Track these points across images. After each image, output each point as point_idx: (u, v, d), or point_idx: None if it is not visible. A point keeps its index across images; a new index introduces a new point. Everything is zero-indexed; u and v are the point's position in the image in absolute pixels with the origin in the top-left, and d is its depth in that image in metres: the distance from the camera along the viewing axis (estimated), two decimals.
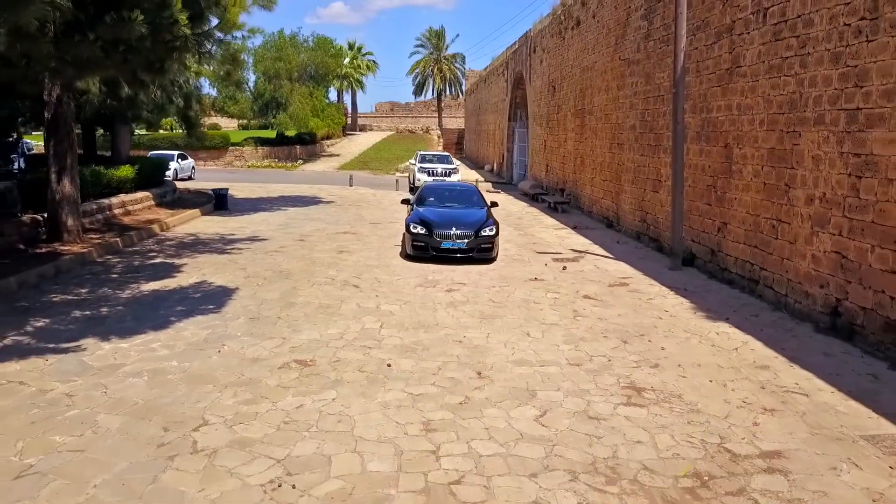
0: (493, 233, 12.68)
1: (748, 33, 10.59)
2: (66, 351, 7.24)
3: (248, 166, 42.89)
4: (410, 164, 31.31)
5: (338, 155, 50.70)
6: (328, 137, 54.53)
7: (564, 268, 12.39)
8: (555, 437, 5.43)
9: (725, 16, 11.36)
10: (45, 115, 12.05)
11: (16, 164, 23.94)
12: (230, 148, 43.98)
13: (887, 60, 7.46)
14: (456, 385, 6.50)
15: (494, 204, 14.90)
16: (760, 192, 10.21)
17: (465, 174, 31.78)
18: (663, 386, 6.60)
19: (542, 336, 8.16)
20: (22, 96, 12.96)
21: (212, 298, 9.62)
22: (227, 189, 20.33)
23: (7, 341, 7.51)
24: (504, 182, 34.22)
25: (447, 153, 34.96)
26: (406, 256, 12.67)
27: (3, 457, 4.90)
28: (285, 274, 11.33)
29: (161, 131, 46.15)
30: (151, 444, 5.15)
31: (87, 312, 8.80)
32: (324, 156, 50.35)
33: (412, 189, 24.37)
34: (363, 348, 7.52)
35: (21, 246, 11.87)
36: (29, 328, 8.04)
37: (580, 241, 15.62)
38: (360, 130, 70.19)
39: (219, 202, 19.55)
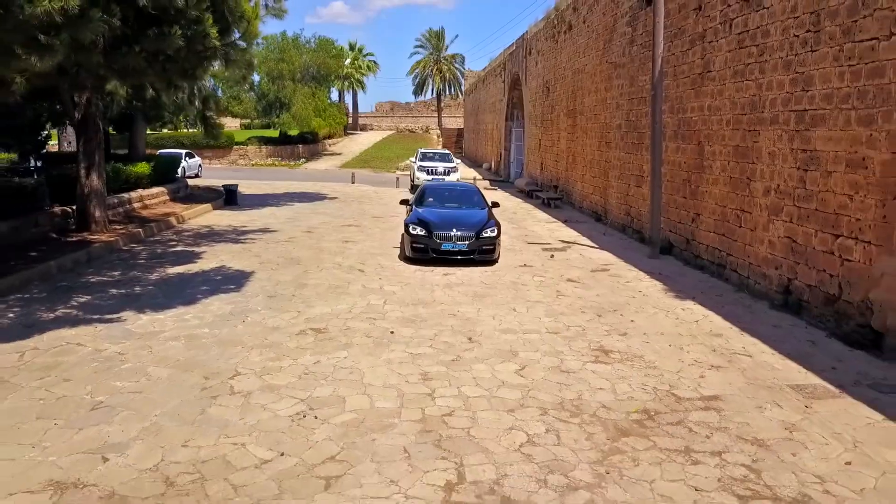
0: (494, 234, 12.38)
1: (717, 41, 11.67)
2: (110, 321, 8.32)
3: (252, 165, 43.96)
4: (411, 161, 31.99)
5: (339, 154, 51.79)
6: (330, 137, 55.61)
7: (552, 256, 13.47)
8: (531, 384, 6.51)
9: (698, 25, 12.44)
10: (76, 115, 13.13)
11: (31, 161, 25.02)
12: (234, 147, 45.07)
13: (827, 68, 8.54)
14: (449, 347, 7.58)
15: (496, 204, 14.52)
16: (727, 186, 11.29)
17: (463, 172, 32.80)
18: (628, 349, 7.67)
19: (527, 311, 9.23)
20: (50, 98, 13.99)
21: (232, 280, 10.70)
22: (237, 185, 21.43)
23: (58, 313, 8.60)
24: (501, 180, 35.30)
25: (448, 151, 34.54)
26: (405, 259, 12.43)
27: (77, 395, 5.98)
28: (296, 260, 12.41)
29: (164, 130, 47.15)
30: (196, 388, 6.23)
31: (123, 291, 9.89)
32: (326, 154, 51.43)
33: (413, 188, 24.21)
34: (369, 319, 8.60)
35: (53, 235, 12.95)
36: (74, 303, 9.13)
37: (569, 234, 16.69)
38: (361, 130, 71.25)
39: (229, 197, 20.65)
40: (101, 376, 6.46)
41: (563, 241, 15.43)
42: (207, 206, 19.35)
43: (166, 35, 7.49)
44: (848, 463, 5.06)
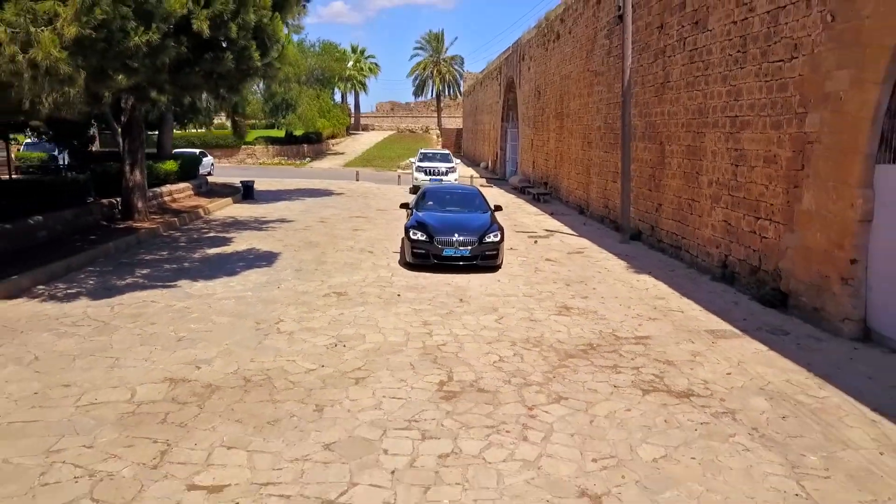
0: (497, 239, 12.00)
1: (674, 56, 13.66)
2: (171, 287, 10.32)
3: (260, 164, 45.95)
4: (412, 161, 33.51)
5: (342, 153, 53.79)
6: (333, 137, 57.62)
7: (535, 241, 15.46)
8: (505, 328, 8.51)
9: (660, 41, 14.43)
10: (122, 118, 15.12)
11: (61, 159, 27.03)
12: (243, 147, 47.05)
13: (750, 82, 10.53)
14: (444, 305, 9.57)
15: (498, 207, 14.10)
16: (682, 179, 13.28)
17: (461, 171, 34.81)
18: (586, 307, 9.67)
19: (509, 282, 11.23)
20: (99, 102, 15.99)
21: (262, 258, 12.70)
22: (253, 181, 23.43)
23: (128, 281, 10.61)
24: (498, 178, 37.29)
25: (448, 151, 34.59)
26: (405, 265, 12.12)
27: (164, 332, 7.98)
28: (314, 244, 14.41)
29: (175, 131, 49.04)
30: (251, 329, 8.22)
31: (174, 266, 11.90)
32: (329, 154, 53.43)
33: (414, 189, 23.63)
34: (379, 287, 10.60)
35: (104, 223, 14.96)
36: (138, 274, 11.13)
37: (554, 224, 18.68)
38: (363, 130, 73.22)
39: (246, 192, 22.67)
40: (177, 322, 8.46)
41: (547, 230, 17.42)
42: (228, 199, 21.36)
43: (220, 58, 9.49)
44: (728, 373, 7.06)
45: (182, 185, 20.81)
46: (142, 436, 5.32)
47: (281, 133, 50.74)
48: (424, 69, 78.62)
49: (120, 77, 8.82)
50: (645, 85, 15.34)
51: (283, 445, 5.19)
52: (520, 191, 28.09)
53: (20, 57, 7.96)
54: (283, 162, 46.67)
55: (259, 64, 9.98)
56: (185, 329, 8.15)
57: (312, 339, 7.87)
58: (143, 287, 10.23)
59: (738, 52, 10.95)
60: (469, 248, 11.74)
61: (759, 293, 10.12)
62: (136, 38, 8.31)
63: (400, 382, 6.58)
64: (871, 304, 8.12)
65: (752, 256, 10.53)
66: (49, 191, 13.48)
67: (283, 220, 18.06)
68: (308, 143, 50.75)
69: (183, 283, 10.62)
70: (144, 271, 11.35)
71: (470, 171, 38.86)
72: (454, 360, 7.24)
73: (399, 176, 35.48)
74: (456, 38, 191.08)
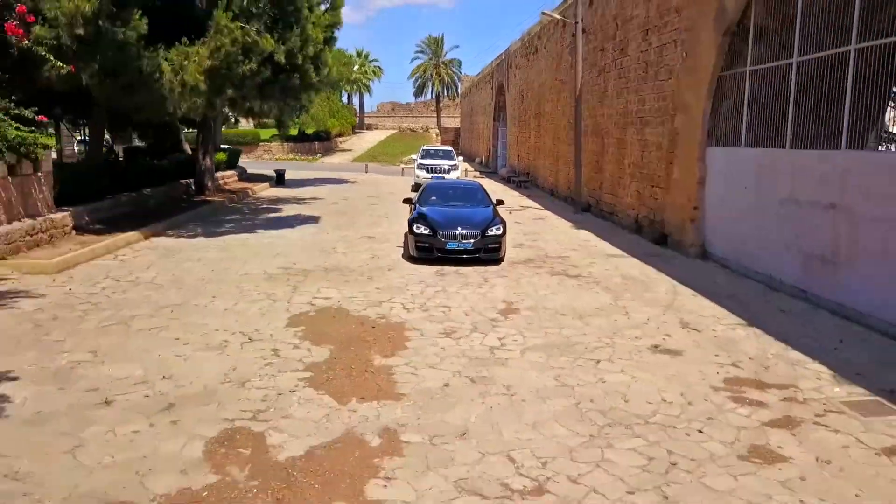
0: (500, 232, 12.30)
1: (610, 72, 18.51)
2: (254, 233, 15.20)
3: (276, 159, 50.80)
4: (413, 157, 37.45)
5: (350, 150, 58.70)
6: (340, 135, 62.52)
7: (510, 213, 20.31)
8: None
9: (601, 61, 19.29)
10: (196, 119, 19.97)
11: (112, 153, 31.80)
12: (260, 143, 51.93)
13: (649, 93, 15.40)
14: None
15: (500, 202, 14.38)
16: (614, 164, 18.14)
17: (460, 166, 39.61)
18: (534, 244, 14.53)
19: None
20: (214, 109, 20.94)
21: (309, 220, 17.57)
22: (285, 170, 28.32)
23: (221, 230, 15.51)
24: (490, 171, 42.17)
25: (450, 148, 34.03)
26: (409, 258, 12.44)
27: (263, 252, 12.85)
28: (344, 212, 19.30)
29: (190, 129, 53.98)
30: (319, 251, 13.08)
31: (248, 223, 16.79)
32: (338, 151, 58.34)
33: (416, 186, 24.67)
34: (397, 237, 15.45)
35: (184, 196, 19.82)
36: (227, 227, 16.01)
37: (528, 202, 23.56)
38: (367, 129, 78.05)
39: (279, 179, 27.55)
40: (269, 248, 13.33)
41: (521, 206, 22.29)
42: (265, 184, 26.25)
43: (290, 78, 14.37)
44: (607, 269, 11.92)
45: (229, 171, 25.70)
46: (280, 284, 10.20)
47: (294, 131, 55.63)
48: (425, 72, 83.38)
49: (230, 91, 13.72)
50: (592, 93, 20.20)
51: (355, 289, 10.05)
52: (507, 181, 32.98)
53: (175, 79, 12.87)
54: (296, 157, 51.52)
55: (315, 80, 14.86)
56: (277, 251, 13.03)
57: (358, 255, 12.74)
58: (235, 233, 15.14)
59: (643, 72, 15.83)
60: (472, 241, 11.99)
61: (652, 237, 14.99)
62: (244, 67, 13.20)
63: (414, 269, 11.47)
64: (707, 236, 13.00)
65: (650, 213, 15.40)
66: (151, 173, 18.34)
67: (314, 198, 22.96)
68: (318, 141, 55.66)
69: (260, 232, 15.51)
70: (230, 225, 16.25)
71: (465, 166, 43.73)
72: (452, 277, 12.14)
73: (402, 169, 40.36)
74: (456, 46, 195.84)
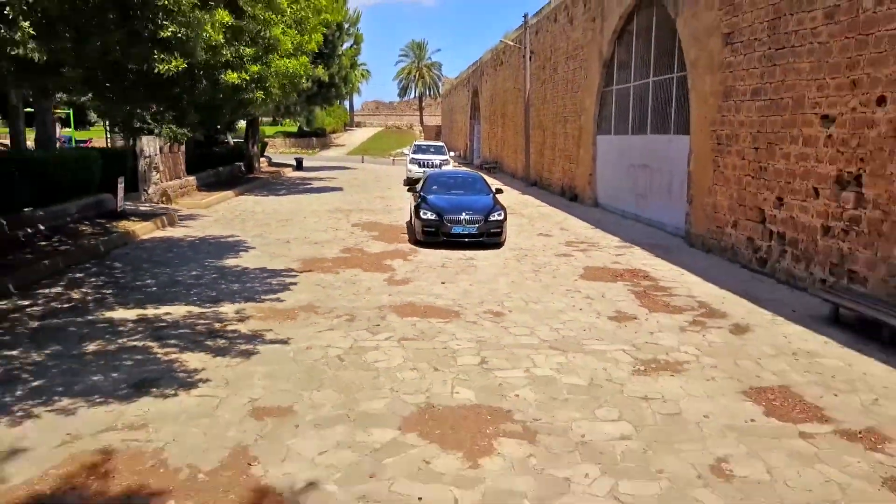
0: (501, 217, 13.02)
1: (549, 84, 25.97)
2: (302, 195, 22.46)
3: (280, 152, 57.75)
4: (403, 151, 43.93)
5: (343, 145, 65.84)
6: (334, 132, 69.60)
7: None
8: None
9: (543, 75, 26.74)
10: (247, 119, 27.10)
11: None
12: (265, 138, 58.83)
13: (569, 100, 22.88)
14: None
15: (500, 191, 15.34)
16: (550, 150, 25.62)
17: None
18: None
19: None
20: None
21: (336, 189, 24.86)
22: (303, 158, 35.52)
23: (280, 194, 22.79)
24: (467, 162, 49.61)
25: (442, 144, 34.92)
26: (415, 242, 13.14)
27: (319, 199, 20.15)
28: (357, 185, 26.61)
29: None
30: (350, 203, 20.41)
31: (294, 190, 24.06)
32: (333, 146, 65.44)
33: (408, 180, 26.18)
34: (398, 198, 22.80)
35: (240, 174, 27.00)
36: (281, 192, 23.27)
37: (494, 182, 30.95)
38: (356, 126, 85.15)
39: (299, 165, 34.72)
40: (318, 201, 20.61)
41: None
42: (289, 168, 33.44)
43: (329, 91, 21.70)
44: (531, 211, 19.37)
45: (262, 158, 32.83)
46: (337, 214, 17.51)
47: (294, 128, 62.64)
48: (409, 74, 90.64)
49: (293, 100, 21.01)
50: (537, 98, 27.68)
51: (380, 216, 17.36)
52: (479, 168, 40.42)
53: (261, 93, 20.16)
54: (298, 151, 58.51)
55: (344, 92, 22.19)
56: (324, 202, 20.30)
57: (376, 203, 20.07)
58: (291, 194, 22.41)
59: (566, 86, 23.31)
60: (476, 225, 12.70)
61: (569, 197, 22.49)
62: (302, 85, 20.52)
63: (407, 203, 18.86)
64: (597, 192, 20.50)
65: (570, 182, 22.91)
66: (216, 157, 25.54)
67: (331, 178, 30.23)
68: (316, 137, 62.72)
69: (306, 194, 22.77)
70: (283, 191, 23.54)
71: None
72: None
73: (393, 160, 47.67)
74: (438, 49, 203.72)
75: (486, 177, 17.61)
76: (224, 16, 6.67)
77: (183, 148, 19.75)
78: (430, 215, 12.87)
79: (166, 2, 5.59)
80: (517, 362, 6.60)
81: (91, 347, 6.74)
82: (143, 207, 16.05)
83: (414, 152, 29.40)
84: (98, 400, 5.45)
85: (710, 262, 11.84)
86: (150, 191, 17.25)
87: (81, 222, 13.07)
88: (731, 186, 12.01)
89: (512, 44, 30.35)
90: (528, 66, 27.42)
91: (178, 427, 5.00)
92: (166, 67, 6.05)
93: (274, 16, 7.83)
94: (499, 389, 5.91)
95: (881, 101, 8.38)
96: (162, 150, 18.02)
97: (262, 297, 8.93)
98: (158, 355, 6.55)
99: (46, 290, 8.96)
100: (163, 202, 17.27)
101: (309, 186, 25.96)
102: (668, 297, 9.41)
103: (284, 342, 7.04)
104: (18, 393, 5.56)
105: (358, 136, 74.29)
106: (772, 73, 10.76)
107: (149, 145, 17.22)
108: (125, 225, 13.42)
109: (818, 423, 5.32)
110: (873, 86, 8.51)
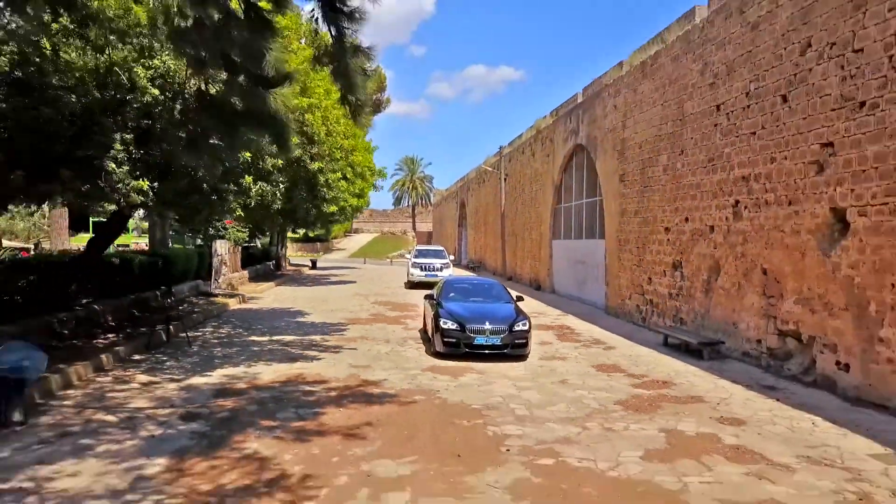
0: (526, 328, 12.38)
1: (518, 199, 32.94)
2: (325, 287, 28.68)
3: (288, 255, 64.44)
4: (402, 254, 50.31)
5: (344, 248, 72.84)
6: (335, 238, 76.78)
7: None
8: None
9: (514, 192, 33.78)
10: (276, 227, 33.67)
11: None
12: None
13: (531, 216, 29.72)
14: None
15: (520, 298, 14.82)
16: (521, 251, 32.21)
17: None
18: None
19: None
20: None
21: (350, 282, 31.05)
22: (317, 259, 42.03)
23: (306, 285, 29.02)
24: (456, 262, 56.37)
25: (441, 248, 35.64)
26: (434, 354, 12.46)
27: (339, 289, 26.42)
28: (366, 280, 32.88)
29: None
30: (365, 291, 26.62)
31: (318, 283, 30.28)
32: (335, 249, 72.39)
33: (409, 283, 29.24)
34: (400, 288, 29.01)
35: (271, 271, 33.28)
36: (307, 284, 29.49)
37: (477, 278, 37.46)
38: (355, 233, 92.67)
39: (313, 265, 41.20)
40: (340, 290, 26.79)
41: None
42: (306, 268, 39.82)
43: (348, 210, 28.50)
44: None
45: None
46: (358, 298, 23.65)
47: (299, 234, 69.73)
48: (403, 185, 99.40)
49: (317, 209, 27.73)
50: (510, 211, 34.61)
51: (391, 298, 23.50)
52: (465, 267, 47.07)
53: (342, 217, 26.93)
54: (304, 254, 65.25)
55: (358, 210, 29.00)
56: (346, 290, 26.46)
57: (385, 290, 26.24)
58: (318, 286, 28.59)
59: (530, 201, 30.22)
60: (500, 336, 12.04)
61: (535, 287, 28.82)
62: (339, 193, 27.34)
63: (416, 297, 25.09)
64: (554, 282, 26.87)
65: (535, 275, 29.33)
66: (256, 257, 31.90)
67: (343, 275, 36.54)
68: (320, 242, 69.73)
69: (329, 286, 28.94)
70: (309, 284, 29.74)
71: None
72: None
73: (391, 262, 54.34)
74: (429, 163, 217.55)
75: (503, 284, 17.99)
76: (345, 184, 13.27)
77: (239, 248, 26.11)
78: (451, 325, 12.20)
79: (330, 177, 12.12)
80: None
81: (254, 349, 12.76)
82: (219, 291, 22.16)
83: (415, 256, 30.40)
84: (277, 363, 11.45)
85: (615, 322, 18.00)
86: (220, 280, 23.42)
87: (190, 298, 19.16)
88: (627, 272, 18.40)
89: (490, 169, 37.79)
90: (503, 186, 34.60)
91: (320, 369, 11.01)
92: (330, 210, 12.59)
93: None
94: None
95: (686, 219, 14.93)
96: (228, 251, 24.37)
97: (332, 332, 15.01)
98: (292, 352, 12.57)
99: (204, 329, 14.99)
100: (230, 288, 23.41)
101: (329, 280, 32.22)
102: (575, 336, 15.52)
103: (354, 349, 13.07)
104: (239, 359, 11.58)
105: (356, 241, 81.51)
106: (643, 201, 17.43)
107: (221, 247, 23.56)
108: (219, 300, 19.51)
109: (619, 374, 11.37)
110: (682, 211, 15.10)
